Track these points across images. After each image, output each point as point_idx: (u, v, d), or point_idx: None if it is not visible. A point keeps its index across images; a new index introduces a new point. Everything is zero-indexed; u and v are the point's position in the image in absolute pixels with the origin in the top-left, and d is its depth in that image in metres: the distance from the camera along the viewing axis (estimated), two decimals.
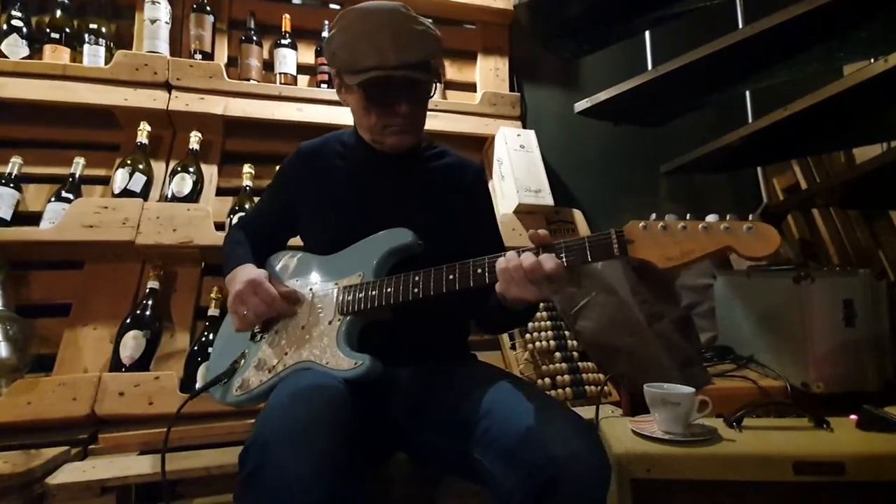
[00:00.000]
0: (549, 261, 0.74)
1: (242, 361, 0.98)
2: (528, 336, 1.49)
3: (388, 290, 0.89)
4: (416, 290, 0.87)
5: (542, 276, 0.74)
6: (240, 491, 0.69)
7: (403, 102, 0.95)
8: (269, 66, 1.78)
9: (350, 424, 0.76)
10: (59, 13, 1.61)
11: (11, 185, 1.42)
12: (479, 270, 0.83)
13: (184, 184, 1.51)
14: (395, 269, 0.95)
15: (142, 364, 1.27)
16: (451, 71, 2.00)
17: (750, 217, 0.72)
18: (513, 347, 1.51)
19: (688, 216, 0.73)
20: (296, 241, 1.20)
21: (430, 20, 0.97)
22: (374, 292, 0.90)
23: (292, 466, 0.66)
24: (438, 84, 1.01)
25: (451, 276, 0.85)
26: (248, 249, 1.08)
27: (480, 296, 1.00)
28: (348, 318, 0.92)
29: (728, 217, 0.72)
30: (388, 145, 1.01)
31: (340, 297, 0.94)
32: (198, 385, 1.24)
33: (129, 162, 1.48)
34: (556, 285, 0.76)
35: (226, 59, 1.77)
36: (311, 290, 0.99)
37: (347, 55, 0.94)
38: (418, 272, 0.88)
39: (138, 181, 1.47)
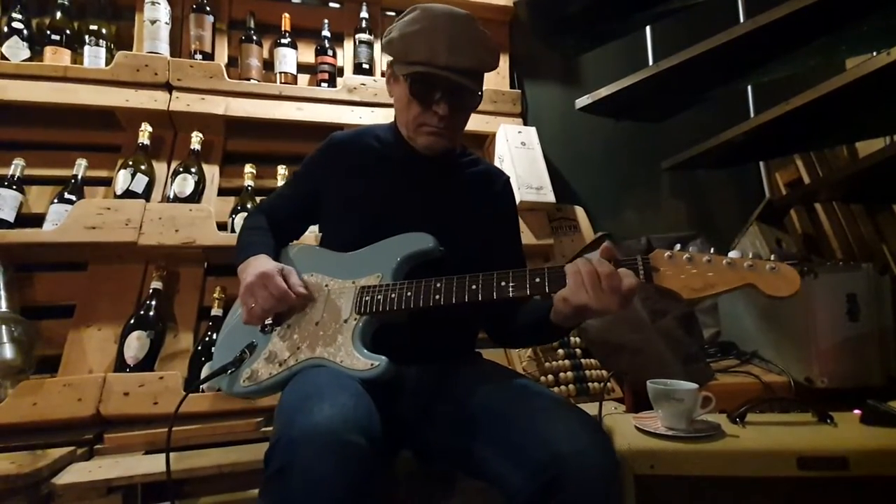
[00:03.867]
0: (629, 276, 0.75)
1: (250, 352, 0.97)
2: None
3: (409, 294, 0.89)
4: (437, 296, 0.87)
5: (618, 287, 0.74)
6: (265, 489, 0.69)
7: (444, 104, 0.95)
8: (269, 65, 1.78)
9: (373, 424, 0.76)
10: (59, 15, 1.61)
11: (14, 186, 1.42)
12: (504, 283, 0.83)
13: (185, 184, 1.51)
14: (413, 271, 0.95)
15: (146, 364, 1.28)
16: None
17: (772, 256, 0.74)
18: None
19: (711, 250, 0.76)
20: (306, 238, 1.21)
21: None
22: (394, 295, 0.90)
23: (319, 465, 0.66)
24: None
25: (473, 287, 0.85)
26: (266, 236, 1.07)
27: (501, 312, 1.01)
28: (364, 317, 0.92)
29: (751, 255, 0.74)
30: (421, 144, 1.00)
31: (359, 297, 0.94)
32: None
33: (130, 163, 1.49)
34: (627, 302, 0.75)
35: (226, 59, 1.77)
36: (326, 286, 0.99)
37: (402, 45, 0.95)
38: (440, 279, 0.88)
39: (140, 182, 1.47)
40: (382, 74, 1.86)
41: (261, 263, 0.97)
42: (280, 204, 1.16)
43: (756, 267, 0.73)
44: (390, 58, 1.01)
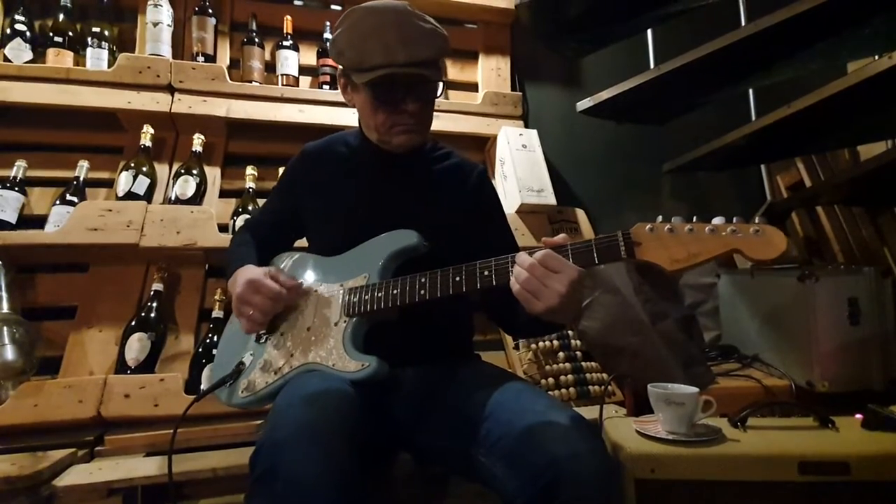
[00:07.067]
0: (548, 254, 0.75)
1: (247, 363, 0.98)
2: None
3: (395, 291, 0.89)
4: (422, 291, 0.87)
5: (552, 269, 0.74)
6: (251, 492, 0.70)
7: (411, 101, 0.94)
8: (270, 67, 1.78)
9: (358, 426, 0.77)
10: (61, 17, 1.61)
11: (16, 188, 1.43)
12: (486, 272, 0.83)
13: (187, 186, 1.51)
14: (400, 269, 0.94)
15: (147, 366, 1.28)
16: (453, 71, 2.00)
17: (756, 219, 0.72)
18: (516, 347, 1.51)
19: (694, 218, 0.74)
20: (301, 242, 1.21)
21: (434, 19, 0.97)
22: (380, 294, 0.90)
23: (303, 468, 0.66)
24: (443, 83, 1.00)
25: (457, 278, 0.85)
26: (252, 250, 1.08)
27: (503, 304, 0.98)
28: (354, 319, 0.92)
29: (735, 219, 0.72)
30: (396, 144, 1.00)
31: (346, 299, 0.94)
32: (202, 386, 1.25)
33: (132, 165, 1.49)
34: (570, 285, 0.74)
35: (228, 61, 1.77)
36: (315, 291, 0.99)
37: (355, 53, 0.93)
38: (424, 274, 0.88)
39: (142, 184, 1.48)
40: None
41: (247, 272, 0.97)
42: (264, 219, 1.17)
43: (740, 231, 0.70)
44: (340, 67, 1.00)
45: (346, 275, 0.98)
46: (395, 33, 0.90)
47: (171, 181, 1.55)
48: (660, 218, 0.76)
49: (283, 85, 1.74)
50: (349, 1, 1.90)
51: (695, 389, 1.00)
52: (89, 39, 1.60)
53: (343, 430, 0.72)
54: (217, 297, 1.37)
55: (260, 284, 0.93)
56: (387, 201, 1.03)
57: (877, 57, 1.26)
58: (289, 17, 1.79)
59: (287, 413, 0.74)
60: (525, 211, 1.70)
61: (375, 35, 0.91)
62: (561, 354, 1.47)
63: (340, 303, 0.95)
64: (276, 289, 0.93)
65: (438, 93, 0.99)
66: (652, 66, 1.72)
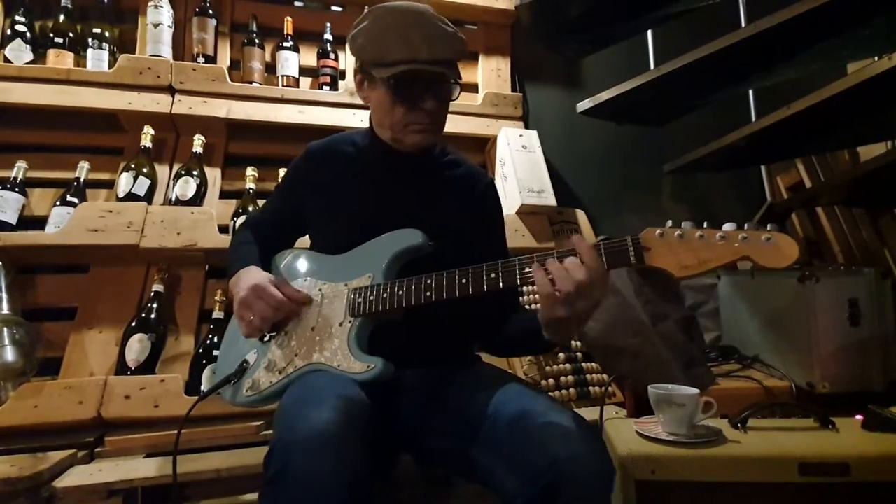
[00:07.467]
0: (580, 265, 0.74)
1: (251, 362, 0.98)
2: None
3: (400, 292, 0.89)
4: (428, 293, 0.86)
5: (592, 286, 0.73)
6: (264, 492, 0.70)
7: (430, 98, 0.94)
8: (271, 68, 1.78)
9: (367, 427, 0.77)
10: (62, 18, 1.61)
11: (17, 189, 1.43)
12: (493, 275, 0.83)
13: (187, 187, 1.51)
14: (404, 270, 0.94)
15: (147, 367, 1.28)
16: None
17: (768, 225, 0.71)
18: None
19: (704, 224, 0.73)
20: (302, 241, 1.21)
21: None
22: (385, 294, 0.90)
23: (315, 469, 0.66)
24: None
25: (463, 280, 0.85)
26: (254, 249, 1.08)
27: (492, 315, 1.00)
28: (359, 319, 0.92)
29: (746, 226, 0.71)
30: (409, 143, 0.99)
31: (351, 299, 0.94)
32: (203, 387, 1.25)
33: (132, 166, 1.49)
34: (599, 289, 0.74)
35: (228, 63, 1.77)
36: (319, 290, 0.99)
37: (376, 48, 0.94)
38: (430, 275, 0.88)
39: (142, 185, 1.48)
40: None
41: (251, 276, 0.97)
42: (266, 218, 1.16)
43: (751, 239, 0.69)
44: (358, 64, 1.00)
45: (351, 274, 0.97)
46: (419, 32, 0.91)
47: (171, 182, 1.55)
48: (669, 223, 0.75)
49: (283, 86, 1.74)
50: (350, 2, 1.92)
51: (695, 390, 1.00)
52: (90, 40, 1.60)
53: (353, 432, 0.72)
54: (217, 298, 1.37)
55: (264, 291, 0.93)
56: (392, 201, 1.03)
57: (877, 58, 1.26)
58: (289, 19, 1.79)
59: (298, 414, 0.74)
60: (525, 212, 1.70)
61: (399, 31, 0.92)
62: (561, 355, 1.47)
63: (345, 303, 0.94)
64: (279, 297, 0.93)
65: (455, 96, 0.99)
66: (652, 66, 1.72)
